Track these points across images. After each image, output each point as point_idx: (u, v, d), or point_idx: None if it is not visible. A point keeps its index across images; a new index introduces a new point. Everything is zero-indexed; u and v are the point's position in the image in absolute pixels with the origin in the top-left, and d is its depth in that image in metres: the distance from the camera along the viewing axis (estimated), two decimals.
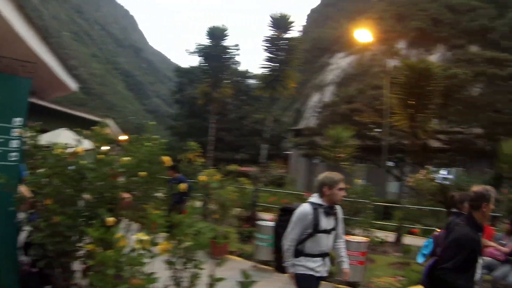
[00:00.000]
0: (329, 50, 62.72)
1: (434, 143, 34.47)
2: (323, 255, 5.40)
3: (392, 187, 35.21)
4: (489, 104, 34.68)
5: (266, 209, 20.92)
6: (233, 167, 30.47)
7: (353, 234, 13.26)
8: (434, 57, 44.44)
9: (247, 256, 12.10)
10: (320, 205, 5.33)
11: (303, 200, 16.62)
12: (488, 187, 5.03)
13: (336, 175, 5.47)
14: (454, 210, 7.57)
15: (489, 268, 9.40)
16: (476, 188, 5.00)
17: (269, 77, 20.97)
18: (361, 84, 44.22)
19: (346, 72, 53.73)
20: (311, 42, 67.73)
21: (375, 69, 44.05)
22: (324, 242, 5.38)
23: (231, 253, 12.33)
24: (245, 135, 56.66)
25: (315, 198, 5.41)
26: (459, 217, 6.72)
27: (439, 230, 8.81)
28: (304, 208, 5.30)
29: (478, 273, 5.14)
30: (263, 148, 21.02)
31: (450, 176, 29.45)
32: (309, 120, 49.47)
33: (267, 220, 13.92)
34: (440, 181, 27.46)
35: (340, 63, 56.71)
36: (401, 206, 19.76)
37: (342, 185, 5.40)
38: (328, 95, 51.93)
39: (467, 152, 33.92)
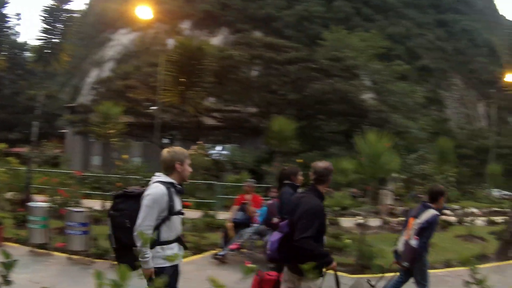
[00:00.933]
0: (112, 26, 62.56)
1: (210, 121, 36.67)
2: (177, 239, 5.12)
3: None
4: (264, 85, 37.76)
5: (42, 191, 20.35)
6: (1, 146, 29.33)
7: None
8: (217, 39, 47.16)
9: (24, 241, 11.45)
10: (171, 183, 5.01)
11: (77, 180, 16.91)
12: (329, 162, 5.74)
13: (184, 150, 5.27)
14: (287, 182, 8.07)
15: (260, 234, 10.69)
16: (322, 164, 5.61)
17: (43, 49, 20.71)
18: (139, 61, 44.96)
19: (127, 49, 54.36)
20: (96, 16, 67.28)
21: (157, 47, 45.38)
22: (178, 224, 5.11)
23: (7, 239, 11.80)
24: (19, 113, 53.95)
25: (163, 177, 5.04)
26: (293, 188, 7.85)
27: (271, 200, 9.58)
28: (160, 188, 4.87)
29: (325, 240, 5.70)
30: (35, 126, 20.46)
31: (224, 152, 32.07)
32: (86, 96, 49.22)
33: (40, 201, 13.01)
34: (214, 156, 29.80)
35: (122, 39, 57.10)
36: None
37: (190, 160, 5.27)
38: (107, 71, 51.70)
39: (241, 130, 36.53)
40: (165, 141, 33.15)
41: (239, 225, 11.38)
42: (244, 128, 36.42)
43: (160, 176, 5.02)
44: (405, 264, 7.18)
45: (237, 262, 10.51)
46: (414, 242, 7.05)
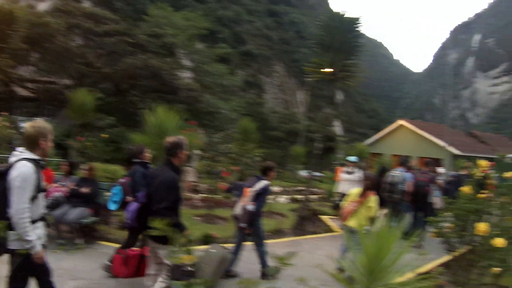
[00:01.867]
0: None
1: (24, 92, 35.65)
2: (43, 218, 4.86)
3: None
4: (80, 56, 37.17)
5: None
6: None
7: None
8: (45, 5, 46.66)
9: None
10: (35, 160, 4.69)
11: None
12: (181, 137, 5.99)
13: (47, 125, 4.90)
14: (136, 160, 8.49)
15: (51, 208, 9.94)
16: (171, 139, 5.88)
17: None
18: None
19: None
20: None
21: None
22: (42, 202, 4.83)
23: None
24: None
25: (28, 153, 4.69)
26: (143, 165, 8.41)
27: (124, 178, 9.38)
28: (28, 167, 4.55)
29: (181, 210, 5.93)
30: None
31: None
32: None
33: None
34: (23, 129, 29.60)
35: None
36: None
37: (52, 135, 4.92)
38: None
39: (55, 102, 35.56)
40: None
41: None
42: (58, 100, 34.78)
43: (24, 153, 4.68)
44: (243, 225, 8.20)
45: None
46: (250, 207, 8.15)
